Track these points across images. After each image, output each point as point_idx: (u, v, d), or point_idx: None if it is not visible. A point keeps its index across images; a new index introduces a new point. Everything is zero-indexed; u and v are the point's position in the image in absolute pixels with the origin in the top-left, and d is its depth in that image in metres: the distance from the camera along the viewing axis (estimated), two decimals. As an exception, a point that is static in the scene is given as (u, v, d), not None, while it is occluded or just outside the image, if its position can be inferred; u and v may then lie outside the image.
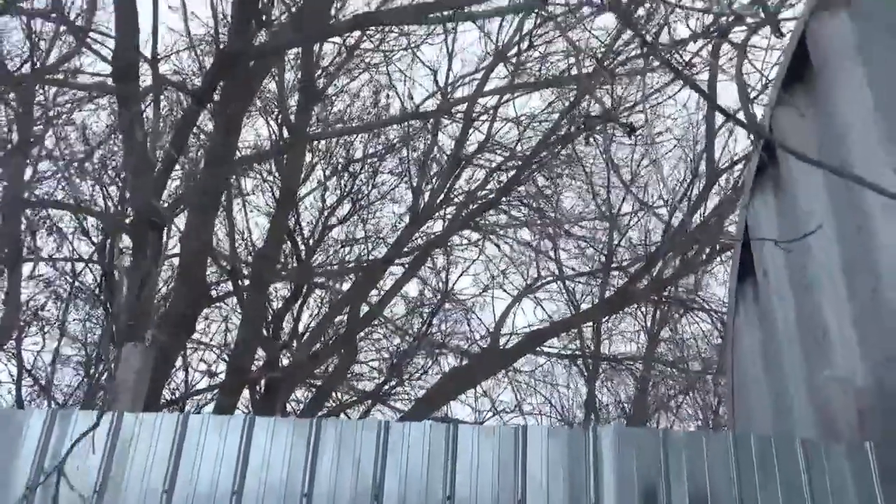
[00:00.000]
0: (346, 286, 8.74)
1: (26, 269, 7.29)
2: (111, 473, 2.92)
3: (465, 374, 8.32)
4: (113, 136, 7.67)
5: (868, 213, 2.94)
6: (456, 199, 8.83)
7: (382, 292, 8.52)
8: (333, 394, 8.67)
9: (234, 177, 7.71)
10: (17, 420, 3.11)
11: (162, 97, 6.76)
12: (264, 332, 7.81)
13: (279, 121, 8.31)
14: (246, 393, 7.63)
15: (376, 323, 8.80)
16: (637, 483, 2.68)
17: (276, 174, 8.49)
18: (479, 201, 8.75)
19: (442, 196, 8.55)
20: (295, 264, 8.61)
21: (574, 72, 7.68)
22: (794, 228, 3.58)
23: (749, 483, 2.62)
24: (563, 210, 9.14)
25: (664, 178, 8.81)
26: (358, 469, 2.87)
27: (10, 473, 2.94)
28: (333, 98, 8.80)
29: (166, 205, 6.47)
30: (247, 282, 7.56)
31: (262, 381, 7.50)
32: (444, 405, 8.73)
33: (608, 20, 6.62)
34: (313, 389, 8.50)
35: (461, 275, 9.47)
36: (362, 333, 8.66)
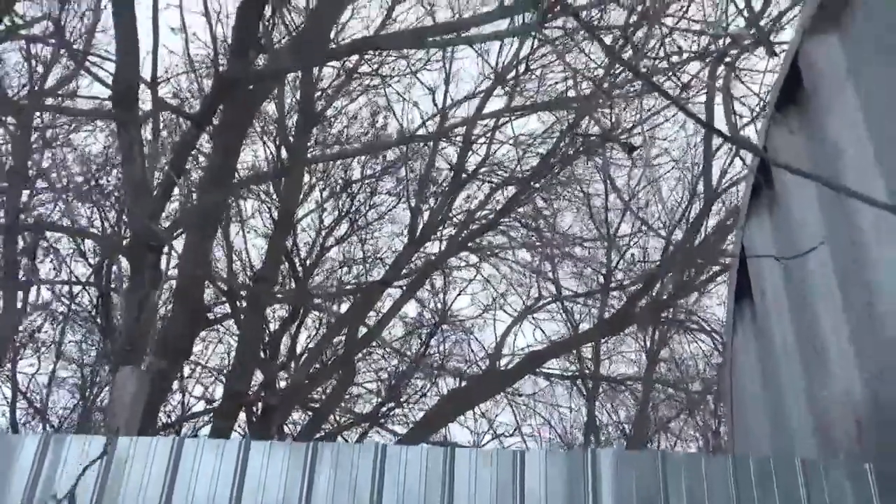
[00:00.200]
0: (343, 307, 8.73)
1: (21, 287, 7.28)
2: (104, 498, 2.89)
3: (463, 396, 8.28)
4: (111, 158, 7.71)
5: (861, 229, 2.96)
6: (455, 220, 8.87)
7: (380, 314, 8.51)
8: (330, 416, 8.62)
9: (232, 199, 7.74)
10: (10, 445, 3.08)
11: (161, 120, 6.81)
12: (261, 354, 7.78)
13: (277, 143, 8.37)
14: (242, 416, 7.58)
15: (374, 345, 8.78)
16: (637, 506, 2.65)
17: (275, 196, 8.53)
18: (478, 222, 8.79)
19: (440, 217, 8.58)
20: (292, 285, 8.61)
21: (572, 94, 7.76)
22: (790, 247, 3.59)
23: (748, 503, 2.60)
24: (562, 231, 9.18)
25: (663, 199, 8.86)
26: (354, 493, 2.84)
27: (2, 500, 2.90)
28: (332, 120, 8.88)
29: (164, 227, 6.48)
30: (244, 304, 7.55)
31: (259, 404, 7.45)
32: (442, 428, 8.67)
33: (606, 42, 6.69)
34: (310, 412, 8.45)
35: (458, 295, 9.48)
36: (360, 355, 8.63)
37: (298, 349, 8.89)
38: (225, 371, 8.28)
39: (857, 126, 3.10)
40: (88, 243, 7.84)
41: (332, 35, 7.37)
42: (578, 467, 2.75)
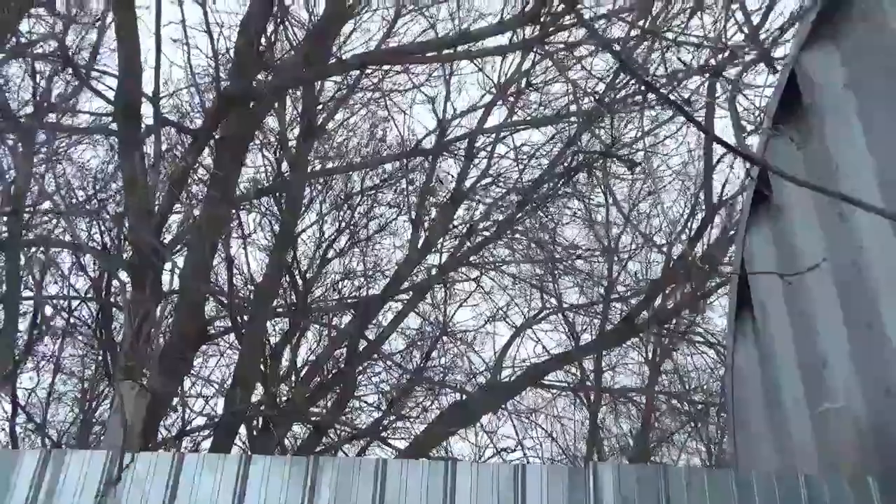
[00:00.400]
0: (344, 320, 8.73)
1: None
2: (104, 515, 2.87)
3: (464, 409, 8.25)
4: (112, 173, 7.74)
5: (861, 246, 2.96)
6: (456, 232, 8.89)
7: (381, 327, 8.51)
8: (331, 430, 8.58)
9: (234, 213, 7.77)
10: (10, 460, 3.07)
11: (163, 135, 6.85)
12: (262, 367, 7.77)
13: (277, 156, 8.41)
14: (243, 430, 7.55)
15: (375, 358, 8.77)
16: (638, 521, 2.64)
17: (276, 209, 8.55)
18: (479, 235, 8.80)
19: (442, 230, 8.60)
20: (293, 298, 8.62)
21: (573, 108, 7.81)
22: (790, 259, 3.59)
23: (752, 520, 2.58)
24: (563, 244, 9.19)
25: (664, 211, 8.89)
26: (355, 508, 2.83)
27: (1, 516, 2.89)
28: (333, 132, 8.93)
29: (166, 242, 6.50)
30: (245, 318, 7.55)
31: (260, 418, 7.43)
32: (443, 442, 8.63)
33: (606, 57, 6.76)
34: (311, 426, 8.42)
35: (458, 307, 9.47)
36: (360, 368, 8.62)
37: (299, 362, 8.88)
38: (225, 385, 8.26)
39: (855, 139, 3.12)
40: (88, 257, 7.86)
41: (334, 49, 7.44)
42: (580, 481, 2.74)
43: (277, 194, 8.33)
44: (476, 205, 8.91)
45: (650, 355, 10.36)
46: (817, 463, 3.16)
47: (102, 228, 7.70)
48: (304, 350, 9.14)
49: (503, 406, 8.85)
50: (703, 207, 8.16)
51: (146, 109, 6.03)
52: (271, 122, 8.31)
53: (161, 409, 5.97)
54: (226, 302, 7.76)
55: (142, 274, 5.37)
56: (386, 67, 7.95)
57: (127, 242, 6.80)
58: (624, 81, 7.27)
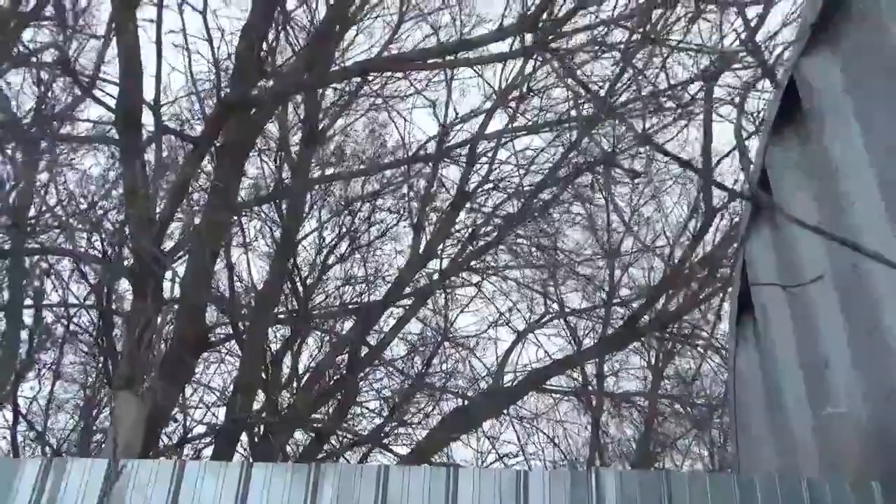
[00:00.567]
0: (345, 326, 8.73)
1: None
2: (105, 523, 2.86)
3: (466, 415, 8.24)
4: (113, 181, 7.76)
5: (863, 255, 2.96)
6: (458, 237, 8.90)
7: (382, 333, 8.50)
8: (333, 436, 8.57)
9: (235, 220, 7.78)
10: (11, 469, 3.07)
11: (163, 143, 6.86)
12: (263, 374, 7.76)
13: (277, 162, 8.43)
14: (244, 437, 7.54)
15: (376, 364, 8.76)
16: (641, 526, 2.63)
17: (276, 216, 8.57)
18: (481, 240, 8.81)
19: (443, 235, 8.61)
20: (294, 304, 8.62)
21: (573, 113, 7.83)
22: (791, 263, 3.59)
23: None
24: (565, 248, 9.20)
25: (665, 216, 8.90)
26: (357, 515, 2.82)
27: (3, 525, 2.88)
28: (335, 139, 8.96)
29: (166, 250, 6.51)
30: (246, 325, 7.56)
31: (261, 425, 7.42)
32: (444, 448, 8.61)
33: (606, 64, 6.79)
34: (312, 433, 8.40)
35: (460, 312, 9.47)
36: (362, 375, 8.61)
37: (300, 369, 8.88)
38: (227, 392, 8.26)
39: (854, 140, 3.12)
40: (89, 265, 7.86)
41: (336, 55, 7.47)
42: (582, 487, 2.74)
43: (278, 201, 8.35)
44: (478, 210, 8.93)
45: (652, 360, 10.35)
46: (819, 466, 3.15)
47: (103, 236, 7.72)
48: (304, 357, 9.14)
49: (505, 411, 8.83)
50: (703, 211, 8.17)
51: (147, 117, 6.06)
52: (272, 128, 8.35)
53: (162, 417, 5.96)
54: (226, 309, 7.77)
55: (143, 282, 5.37)
56: (387, 74, 7.98)
57: (128, 250, 6.81)
58: (624, 85, 7.29)
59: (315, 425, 8.16)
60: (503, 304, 9.44)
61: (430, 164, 8.47)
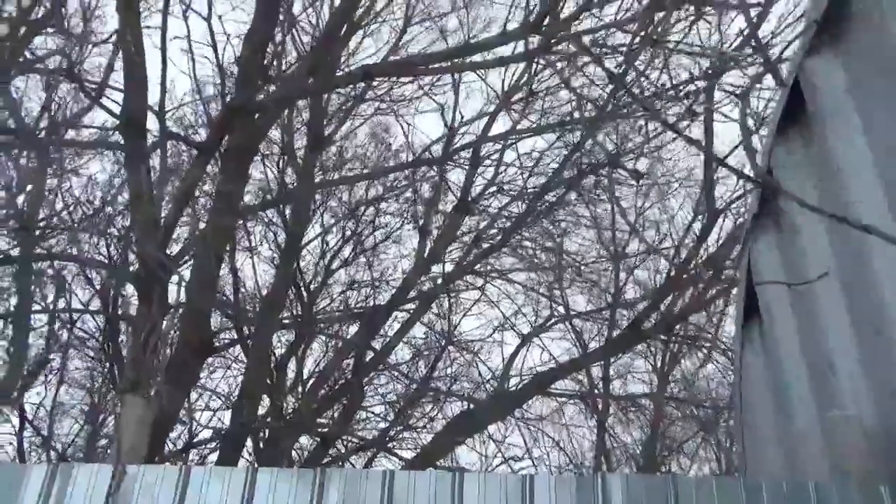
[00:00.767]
0: (350, 330, 8.73)
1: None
2: (111, 529, 2.87)
3: (471, 419, 8.22)
4: (118, 186, 7.79)
5: (868, 251, 2.95)
6: (462, 241, 8.90)
7: (387, 338, 8.50)
8: (338, 441, 8.57)
9: (240, 225, 7.80)
10: (17, 474, 3.07)
11: (168, 149, 6.89)
12: (268, 379, 7.77)
13: (280, 167, 8.45)
14: (249, 442, 7.55)
15: (381, 368, 8.76)
16: (648, 531, 2.62)
17: (281, 221, 8.58)
18: (485, 243, 8.81)
19: (448, 239, 8.61)
20: (298, 309, 8.63)
21: (576, 115, 7.83)
22: (797, 264, 3.58)
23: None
24: (570, 251, 9.19)
25: (670, 217, 8.88)
26: (363, 520, 2.82)
27: (9, 531, 2.89)
28: (341, 143, 8.99)
29: (172, 255, 6.53)
30: (251, 329, 7.57)
31: (266, 430, 7.42)
32: (450, 452, 8.59)
33: (609, 65, 6.77)
34: (317, 438, 8.41)
35: (463, 316, 9.46)
36: (367, 379, 8.61)
37: (305, 373, 8.88)
38: (232, 397, 8.27)
39: (857, 140, 3.12)
40: (96, 270, 7.89)
41: (342, 59, 7.49)
42: (588, 492, 2.72)
43: (283, 206, 8.36)
44: (482, 213, 8.93)
45: (658, 363, 10.32)
46: (826, 468, 3.14)
47: (109, 242, 7.75)
48: (309, 361, 9.14)
49: (511, 415, 8.82)
50: (706, 212, 8.15)
51: (152, 122, 6.08)
52: (277, 133, 8.37)
53: (168, 422, 5.97)
54: (232, 314, 7.78)
55: (148, 287, 5.39)
56: (392, 78, 8.00)
57: (133, 255, 6.83)
58: (624, 90, 7.27)
59: (320, 430, 8.16)
60: (508, 308, 9.44)
61: (436, 167, 8.48)
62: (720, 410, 9.60)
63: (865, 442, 2.81)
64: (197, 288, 5.90)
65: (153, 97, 5.83)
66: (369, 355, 8.24)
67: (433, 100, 8.39)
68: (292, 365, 8.70)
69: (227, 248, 7.27)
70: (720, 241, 8.28)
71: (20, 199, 6.87)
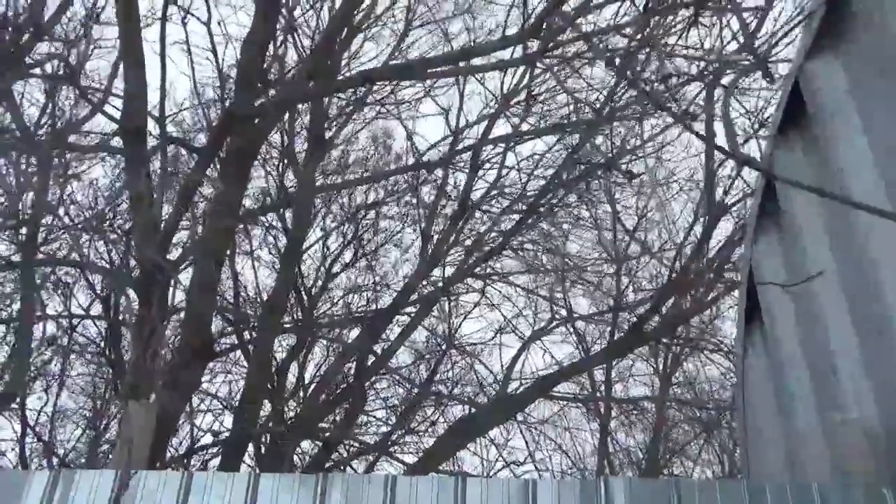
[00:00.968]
0: (352, 334, 8.73)
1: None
2: (113, 535, 2.86)
3: (473, 423, 8.21)
4: (118, 190, 7.80)
5: (869, 252, 2.95)
6: (464, 243, 8.91)
7: (388, 342, 8.50)
8: (340, 445, 8.56)
9: (240, 230, 7.80)
10: (19, 481, 3.07)
11: (168, 153, 6.90)
12: (269, 384, 7.76)
13: (282, 171, 8.45)
14: (251, 447, 7.54)
15: (383, 372, 8.75)
16: (651, 535, 2.61)
17: (281, 225, 8.59)
18: (486, 246, 8.81)
19: (450, 242, 8.62)
20: (299, 313, 8.63)
21: (574, 118, 7.85)
22: (799, 266, 3.58)
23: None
24: (571, 253, 9.19)
25: (670, 219, 8.87)
26: (365, 525, 2.81)
27: (11, 538, 2.88)
28: (342, 147, 9.00)
29: (172, 259, 6.53)
30: (252, 334, 7.57)
31: (268, 435, 7.41)
32: (452, 456, 8.58)
33: (604, 68, 6.80)
34: (319, 442, 8.40)
35: (464, 319, 9.46)
36: (368, 383, 8.60)
37: (307, 378, 8.87)
38: (233, 402, 8.26)
39: (857, 141, 3.12)
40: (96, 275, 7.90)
41: (342, 63, 7.51)
42: (591, 495, 2.72)
43: (283, 210, 8.37)
44: (483, 215, 8.94)
45: (660, 365, 10.31)
46: (829, 471, 3.13)
47: (110, 246, 7.76)
48: (311, 366, 9.14)
49: (512, 418, 8.80)
50: (707, 213, 8.15)
51: (152, 127, 6.09)
52: (278, 137, 8.38)
53: (169, 427, 5.97)
54: (232, 318, 7.78)
55: (149, 291, 5.39)
56: (393, 82, 8.02)
57: (134, 260, 6.83)
58: (621, 91, 7.29)
59: (322, 434, 8.15)
60: (510, 311, 9.44)
61: (439, 169, 8.50)
62: (722, 412, 9.59)
63: (868, 444, 2.81)
64: (197, 292, 5.89)
65: (153, 99, 5.85)
66: (370, 359, 8.23)
67: (437, 103, 8.43)
68: (293, 369, 8.71)
69: (228, 253, 7.27)
70: (721, 243, 8.28)
71: (22, 204, 6.88)
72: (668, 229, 9.02)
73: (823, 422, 3.28)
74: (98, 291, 7.98)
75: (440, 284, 8.62)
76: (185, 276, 6.81)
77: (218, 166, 6.74)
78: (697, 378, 10.03)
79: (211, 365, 7.98)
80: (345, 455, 8.68)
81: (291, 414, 8.23)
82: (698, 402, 9.86)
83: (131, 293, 6.19)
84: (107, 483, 2.94)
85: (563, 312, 9.44)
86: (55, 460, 8.21)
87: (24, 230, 6.18)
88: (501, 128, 8.63)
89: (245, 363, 8.17)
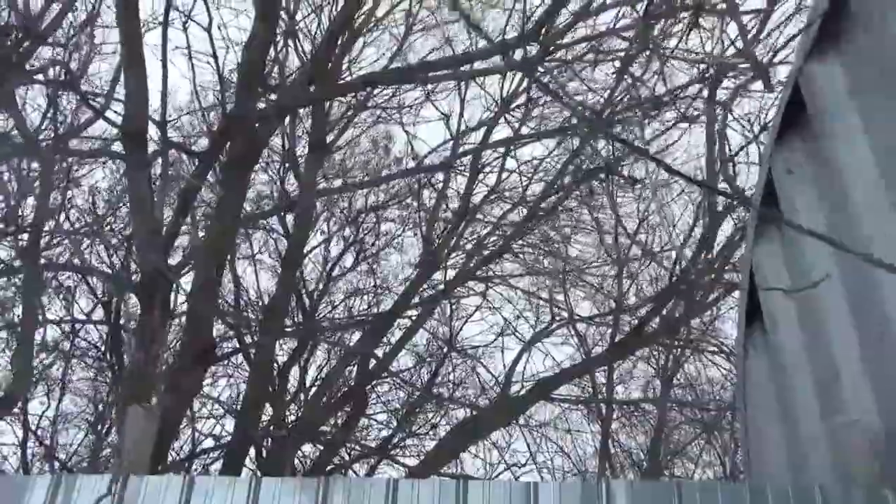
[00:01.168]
0: (353, 337, 8.73)
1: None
2: (115, 540, 2.86)
3: (474, 426, 8.21)
4: (119, 195, 7.81)
5: (871, 253, 2.94)
6: (465, 247, 8.92)
7: (389, 345, 8.50)
8: (341, 448, 8.56)
9: (241, 234, 7.81)
10: (21, 486, 3.07)
11: (169, 158, 6.91)
12: (271, 387, 7.76)
13: (282, 175, 8.47)
14: (253, 450, 7.54)
15: (384, 376, 8.76)
16: (653, 538, 2.61)
17: (283, 229, 8.60)
18: (486, 250, 8.82)
19: (450, 246, 8.63)
20: (300, 317, 8.63)
21: (574, 121, 7.85)
22: (800, 268, 3.57)
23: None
24: (571, 256, 9.19)
25: (670, 226, 8.87)
26: (367, 530, 2.81)
27: (13, 543, 2.88)
28: (342, 151, 9.02)
29: (173, 264, 6.54)
30: (253, 338, 7.57)
31: (269, 438, 7.41)
32: (453, 459, 8.58)
33: (605, 71, 6.82)
34: (321, 445, 8.39)
35: (465, 322, 9.46)
36: (369, 386, 8.60)
37: (308, 382, 8.87)
38: (235, 406, 8.26)
39: (860, 145, 3.12)
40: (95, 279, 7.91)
41: (343, 67, 7.52)
42: (593, 498, 2.72)
43: (284, 213, 8.38)
44: (484, 218, 8.95)
45: (660, 368, 10.29)
46: (831, 474, 3.13)
47: (111, 251, 7.77)
48: (312, 369, 9.14)
49: (514, 421, 8.80)
50: (708, 216, 8.15)
51: (153, 131, 6.10)
52: (279, 141, 8.40)
53: (171, 431, 5.97)
54: (233, 322, 7.79)
55: (150, 296, 5.40)
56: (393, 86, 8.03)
57: (135, 264, 6.84)
58: (623, 93, 7.30)
59: (323, 437, 8.15)
60: (510, 313, 9.44)
61: (443, 171, 8.51)
62: (723, 414, 9.57)
63: (870, 446, 2.80)
64: (198, 296, 5.90)
65: (154, 103, 5.86)
66: (372, 363, 8.23)
67: (437, 108, 8.45)
68: (295, 373, 8.71)
69: (229, 257, 7.27)
70: (722, 245, 8.28)
71: (23, 209, 6.90)
72: (668, 232, 9.02)
73: (825, 423, 3.27)
74: (100, 296, 7.98)
75: (441, 287, 8.63)
76: (187, 281, 6.83)
77: (219, 171, 6.76)
78: (698, 379, 10.03)
79: (212, 369, 7.99)
80: (346, 458, 8.68)
81: (293, 417, 8.23)
82: (699, 403, 9.85)
83: (132, 298, 6.19)
84: (108, 488, 2.94)
85: (564, 314, 9.43)
86: (57, 465, 8.21)
87: (25, 236, 6.20)
88: (502, 131, 8.66)
89: (246, 367, 8.17)
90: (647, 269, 9.26)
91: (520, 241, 8.77)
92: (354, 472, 8.71)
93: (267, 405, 7.66)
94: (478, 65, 5.66)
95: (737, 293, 7.73)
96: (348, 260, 9.42)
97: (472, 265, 8.72)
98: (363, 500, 2.88)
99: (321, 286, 9.21)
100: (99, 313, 8.11)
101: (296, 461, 8.09)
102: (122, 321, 7.36)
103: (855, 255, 2.24)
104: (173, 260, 7.21)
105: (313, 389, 8.64)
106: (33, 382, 7.62)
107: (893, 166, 2.94)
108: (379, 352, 8.45)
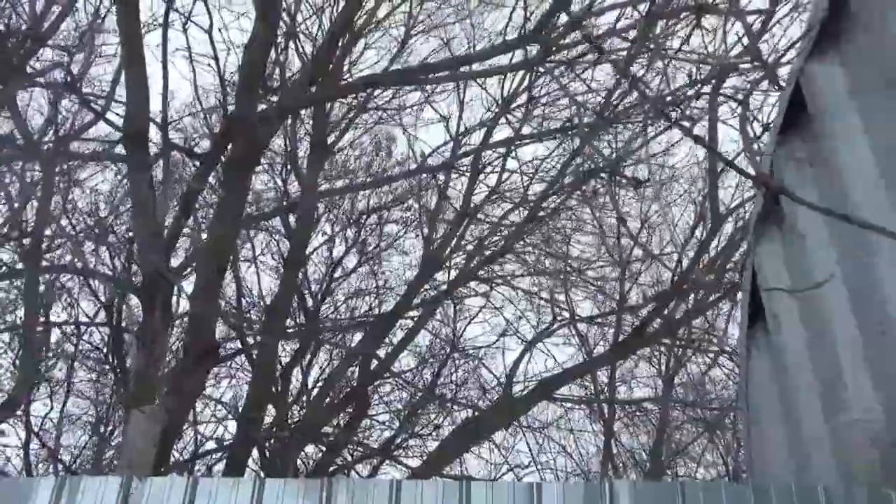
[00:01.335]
0: (355, 338, 8.74)
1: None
2: (119, 542, 2.87)
3: (476, 426, 8.21)
4: (120, 198, 7.83)
5: (872, 253, 2.95)
6: (466, 247, 8.92)
7: (392, 346, 8.51)
8: (344, 449, 8.56)
9: (242, 236, 7.82)
10: (25, 488, 3.07)
11: (170, 160, 6.92)
12: (273, 388, 7.77)
13: (283, 176, 8.48)
14: (256, 451, 7.54)
15: (386, 376, 8.76)
16: (656, 538, 2.61)
17: (284, 231, 8.61)
18: (488, 250, 8.83)
19: (452, 246, 8.63)
20: (302, 318, 8.64)
21: (576, 121, 7.85)
22: (802, 267, 3.57)
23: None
24: (574, 255, 9.20)
25: (673, 223, 8.87)
26: (370, 530, 2.81)
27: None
28: (344, 152, 9.03)
29: (175, 266, 6.55)
30: (255, 339, 7.58)
31: (272, 439, 7.42)
32: (456, 460, 8.58)
33: (606, 71, 6.82)
34: (323, 446, 8.40)
35: (468, 323, 9.46)
36: (371, 387, 8.61)
37: (310, 381, 8.88)
38: (237, 407, 8.28)
39: (860, 145, 3.12)
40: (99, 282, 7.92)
41: (344, 68, 7.53)
42: (596, 498, 2.72)
43: (286, 214, 8.39)
44: (485, 219, 8.95)
45: (663, 367, 10.29)
46: (834, 473, 3.13)
47: (113, 253, 7.78)
48: (314, 370, 9.15)
49: (516, 421, 8.80)
50: (710, 217, 8.14)
51: (154, 132, 6.11)
52: (280, 142, 8.41)
53: (174, 433, 5.98)
54: (235, 323, 7.80)
55: (152, 297, 5.41)
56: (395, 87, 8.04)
57: (136, 266, 6.85)
58: (624, 93, 7.30)
59: (326, 438, 8.15)
60: (512, 314, 9.44)
61: (442, 173, 8.52)
62: (726, 413, 9.57)
63: (873, 446, 2.80)
64: (200, 298, 5.91)
65: (155, 105, 5.87)
66: (374, 363, 8.24)
67: (436, 111, 8.46)
68: (297, 374, 8.71)
69: (230, 258, 7.28)
70: (723, 246, 8.27)
71: (25, 212, 6.91)
72: (670, 232, 9.02)
73: (828, 423, 3.28)
74: (102, 298, 8.00)
75: (443, 288, 8.63)
76: (189, 283, 6.83)
77: (220, 172, 6.76)
78: (701, 379, 10.02)
79: (215, 370, 8.00)
80: (349, 459, 8.68)
81: (295, 418, 8.24)
82: (702, 403, 9.84)
83: (134, 300, 6.20)
84: (112, 489, 2.94)
85: (566, 315, 9.43)
86: (60, 467, 8.23)
87: (27, 239, 6.21)
88: (503, 132, 8.66)
89: (249, 368, 8.18)
90: (649, 270, 9.27)
91: (521, 242, 8.77)
92: (357, 473, 8.71)
93: (269, 406, 7.68)
94: (477, 65, 5.66)
95: (739, 293, 7.72)
96: (350, 261, 9.44)
97: (473, 266, 8.73)
98: (367, 500, 2.88)
99: (323, 287, 9.23)
100: (101, 316, 8.12)
101: (298, 462, 8.10)
102: (124, 323, 7.37)
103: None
104: (175, 262, 7.22)
105: (316, 390, 8.65)
106: (36, 384, 7.64)
107: (893, 166, 2.94)
108: (381, 352, 8.46)
